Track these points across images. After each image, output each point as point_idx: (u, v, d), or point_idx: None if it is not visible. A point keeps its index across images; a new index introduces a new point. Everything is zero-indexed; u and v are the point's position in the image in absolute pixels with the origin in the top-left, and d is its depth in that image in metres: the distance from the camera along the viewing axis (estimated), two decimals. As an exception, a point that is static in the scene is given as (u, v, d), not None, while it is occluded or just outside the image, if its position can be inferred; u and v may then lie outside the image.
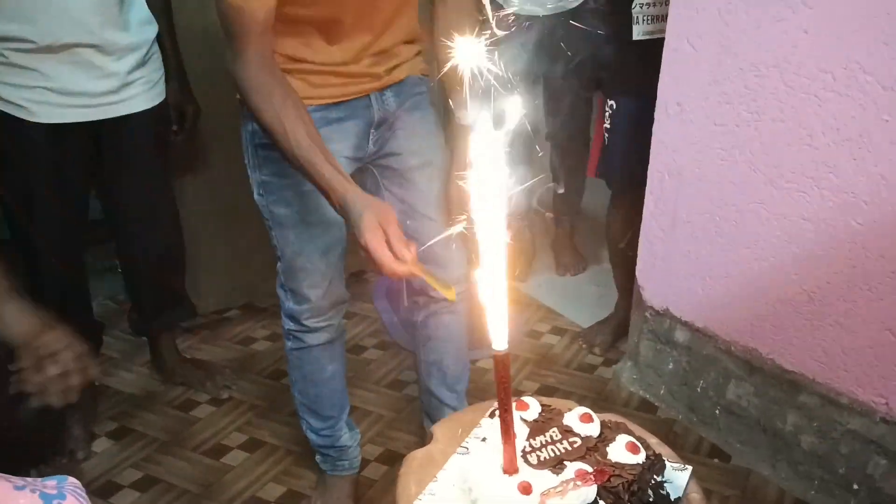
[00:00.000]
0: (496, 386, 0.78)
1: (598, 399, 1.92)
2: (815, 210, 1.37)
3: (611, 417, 0.92)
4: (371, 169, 1.39)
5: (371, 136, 1.33)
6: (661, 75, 1.58)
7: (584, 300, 2.40)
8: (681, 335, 1.75)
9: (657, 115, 1.61)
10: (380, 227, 1.07)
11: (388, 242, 1.07)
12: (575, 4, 2.10)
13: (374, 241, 1.07)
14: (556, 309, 2.38)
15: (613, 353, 2.10)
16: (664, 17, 1.59)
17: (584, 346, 2.15)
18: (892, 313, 1.32)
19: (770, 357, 1.54)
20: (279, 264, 1.42)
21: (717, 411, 1.71)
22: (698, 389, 1.74)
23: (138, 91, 1.66)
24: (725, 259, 1.58)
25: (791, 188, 1.40)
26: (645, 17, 1.67)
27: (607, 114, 1.81)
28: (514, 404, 0.85)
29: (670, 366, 1.80)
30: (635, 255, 1.81)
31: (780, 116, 1.39)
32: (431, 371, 1.55)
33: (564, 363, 2.10)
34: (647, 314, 1.82)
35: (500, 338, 0.75)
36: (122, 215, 1.83)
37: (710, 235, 1.60)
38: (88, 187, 1.80)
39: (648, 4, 1.66)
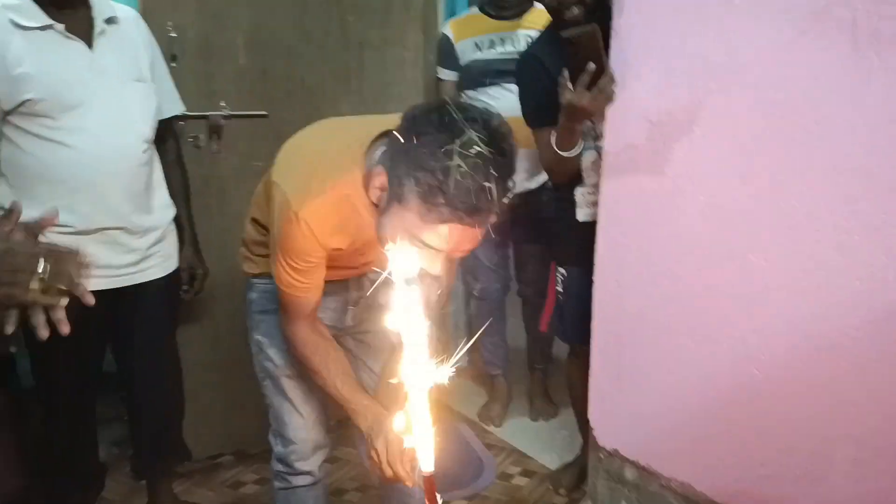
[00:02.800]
0: None
1: (561, 537, 2.08)
2: (725, 362, 1.62)
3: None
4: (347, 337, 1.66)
5: (349, 312, 1.60)
6: (596, 256, 1.87)
7: (553, 443, 2.59)
8: (629, 474, 1.93)
9: (595, 290, 1.88)
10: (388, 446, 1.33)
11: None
12: (535, 186, 2.46)
13: (383, 454, 1.34)
14: (528, 452, 2.56)
15: (579, 494, 2.27)
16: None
17: (551, 487, 2.32)
18: (776, 443, 1.53)
19: (702, 492, 1.73)
20: (270, 413, 1.66)
21: (665, 546, 1.87)
22: (648, 526, 1.91)
23: (156, 262, 1.95)
24: (661, 405, 1.80)
25: (707, 345, 1.65)
26: (587, 202, 1.98)
27: (559, 279, 2.09)
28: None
29: (623, 503, 1.97)
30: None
31: (692, 289, 1.67)
32: None
33: (532, 504, 2.27)
34: (600, 455, 2.02)
35: (427, 460, 0.96)
36: (132, 370, 2.07)
37: (649, 385, 1.83)
38: (104, 344, 2.05)
39: (589, 192, 1.98)
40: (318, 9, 2.37)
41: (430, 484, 0.98)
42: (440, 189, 1.09)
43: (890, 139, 1.29)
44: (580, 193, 1.99)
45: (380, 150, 1.25)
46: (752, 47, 1.47)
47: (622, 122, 1.77)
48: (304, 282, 1.35)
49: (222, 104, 2.27)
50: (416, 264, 1.20)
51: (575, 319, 2.09)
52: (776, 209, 1.49)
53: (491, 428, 2.77)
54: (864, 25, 1.28)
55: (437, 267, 1.19)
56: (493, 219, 1.16)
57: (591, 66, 1.67)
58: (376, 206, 1.24)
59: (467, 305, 3.03)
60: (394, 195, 1.17)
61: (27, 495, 1.88)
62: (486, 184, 1.10)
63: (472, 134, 1.10)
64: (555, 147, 1.92)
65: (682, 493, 1.79)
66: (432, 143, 1.10)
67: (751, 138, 1.51)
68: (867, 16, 1.27)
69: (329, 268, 1.40)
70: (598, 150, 1.95)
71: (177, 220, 2.03)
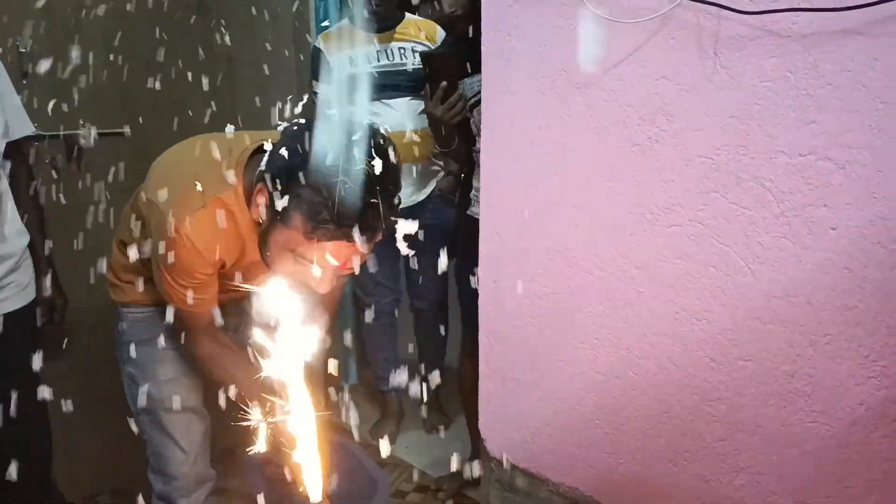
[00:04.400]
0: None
1: (458, 549, 2.07)
2: (603, 364, 1.67)
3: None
4: None
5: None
6: (480, 258, 1.89)
7: (447, 455, 2.58)
8: (520, 481, 1.95)
9: (480, 290, 1.91)
10: None
11: None
12: (423, 198, 2.48)
13: None
14: (422, 467, 2.55)
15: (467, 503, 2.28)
16: None
17: (434, 495, 2.35)
18: (664, 449, 1.59)
19: (589, 495, 1.77)
20: (147, 449, 1.56)
21: (559, 550, 1.90)
22: (542, 531, 1.93)
23: (9, 294, 1.81)
24: (545, 410, 1.83)
25: (584, 347, 1.70)
26: (476, 201, 2.03)
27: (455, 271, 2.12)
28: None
29: (516, 511, 1.99)
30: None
31: (567, 290, 1.71)
32: None
33: (426, 520, 2.25)
34: (492, 464, 2.03)
35: (314, 491, 0.94)
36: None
37: (532, 390, 1.86)
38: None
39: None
40: (181, 23, 2.28)
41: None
42: (325, 206, 1.07)
43: (731, 133, 1.37)
44: (472, 192, 2.07)
45: (259, 166, 1.20)
46: (608, 54, 1.53)
47: (497, 135, 1.80)
48: (196, 297, 1.29)
49: (81, 122, 2.14)
50: (301, 286, 1.18)
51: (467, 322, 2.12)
52: (639, 209, 1.55)
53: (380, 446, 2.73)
54: (706, 26, 1.36)
55: (325, 286, 1.17)
56: (380, 235, 1.15)
57: (444, 84, 2.00)
58: (258, 223, 1.20)
59: (357, 320, 2.98)
60: (276, 213, 1.13)
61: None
62: (373, 199, 1.08)
63: (355, 149, 1.08)
64: (436, 146, 2.19)
65: (571, 497, 1.82)
66: (314, 159, 1.08)
67: (614, 143, 1.57)
68: (708, 18, 1.35)
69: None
70: (478, 152, 2.01)
71: (32, 247, 1.90)
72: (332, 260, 1.14)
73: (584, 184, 1.64)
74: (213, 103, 2.38)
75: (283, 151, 1.12)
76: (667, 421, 1.61)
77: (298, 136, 1.12)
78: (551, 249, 1.73)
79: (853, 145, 1.24)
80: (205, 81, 2.34)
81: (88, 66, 2.14)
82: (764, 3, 1.27)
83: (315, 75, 2.64)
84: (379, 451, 2.65)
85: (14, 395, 1.88)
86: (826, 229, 1.30)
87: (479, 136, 1.99)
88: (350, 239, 1.11)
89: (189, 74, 2.30)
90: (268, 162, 1.17)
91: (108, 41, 2.16)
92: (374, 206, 1.09)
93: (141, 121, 2.24)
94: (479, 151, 2.00)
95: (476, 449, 2.16)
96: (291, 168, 1.10)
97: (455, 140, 2.13)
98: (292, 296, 1.14)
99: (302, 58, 2.68)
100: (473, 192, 2.13)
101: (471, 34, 1.87)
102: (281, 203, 1.12)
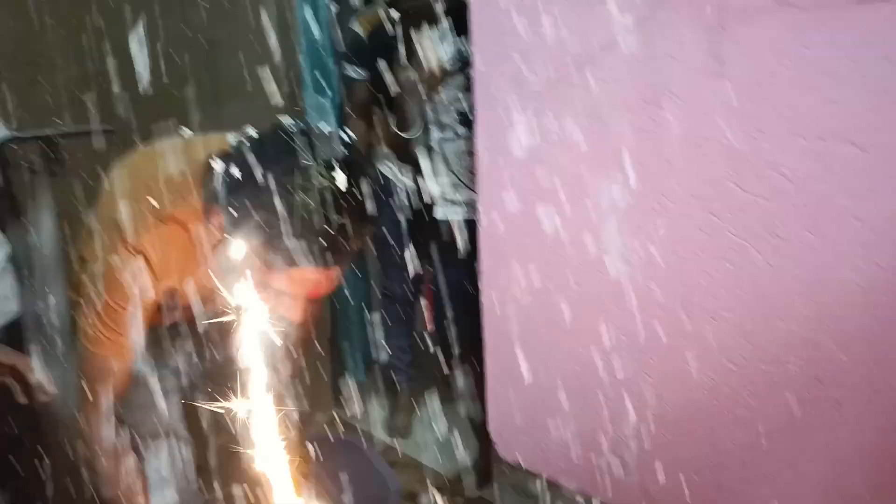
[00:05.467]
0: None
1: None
2: (616, 365, 1.56)
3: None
4: None
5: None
6: (479, 255, 1.78)
7: (458, 453, 2.49)
8: (534, 486, 1.86)
9: (482, 288, 1.80)
10: None
11: None
12: None
13: None
14: (434, 466, 2.46)
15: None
16: (461, 203, 1.83)
17: (448, 496, 2.26)
18: (680, 456, 1.48)
19: (605, 503, 1.66)
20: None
21: (573, 556, 1.80)
22: (556, 535, 1.84)
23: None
24: (555, 413, 1.73)
25: (595, 349, 1.59)
26: (445, 201, 1.91)
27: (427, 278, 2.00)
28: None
29: (529, 515, 1.90)
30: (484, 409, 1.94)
31: (573, 287, 1.59)
32: None
33: (438, 522, 2.17)
34: (503, 468, 1.94)
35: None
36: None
37: (541, 393, 1.75)
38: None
39: (447, 190, 1.90)
40: (155, 5, 2.16)
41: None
42: (284, 232, 0.95)
43: (744, 115, 1.23)
44: (436, 192, 1.93)
45: (216, 181, 1.09)
46: (606, 31, 1.39)
47: (490, 121, 1.68)
48: (115, 336, 1.18)
49: (57, 121, 2.04)
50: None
51: (447, 317, 2.00)
52: (646, 200, 1.42)
53: (396, 441, 2.66)
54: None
55: (296, 314, 1.06)
56: (351, 255, 1.04)
57: None
58: (216, 246, 1.09)
59: (369, 309, 2.88)
60: (235, 237, 1.02)
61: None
62: (337, 220, 0.96)
63: (314, 163, 0.96)
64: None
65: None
66: (272, 178, 0.96)
67: (616, 128, 1.44)
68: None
69: (170, 309, 1.24)
70: (439, 144, 1.87)
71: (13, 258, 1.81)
72: (298, 288, 1.03)
73: (584, 172, 1.51)
74: (195, 90, 2.27)
75: (236, 171, 1.00)
76: (687, 427, 1.49)
77: (250, 152, 1.01)
78: (556, 243, 1.61)
79: (878, 127, 1.09)
80: (184, 67, 2.23)
81: (60, 54, 2.04)
82: (776, -32, 1.13)
83: (351, 59, 2.49)
84: (390, 448, 2.60)
85: None
86: (850, 220, 1.16)
87: (438, 125, 1.86)
88: (315, 265, 1.00)
89: (166, 60, 2.18)
90: (220, 181, 1.05)
91: (76, 27, 2.05)
92: (338, 228, 0.97)
93: (119, 114, 2.13)
94: (438, 142, 1.87)
95: (485, 448, 2.07)
96: (244, 188, 0.99)
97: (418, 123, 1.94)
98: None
99: (285, 38, 2.54)
100: (438, 193, 1.95)
101: None
102: (237, 227, 1.01)
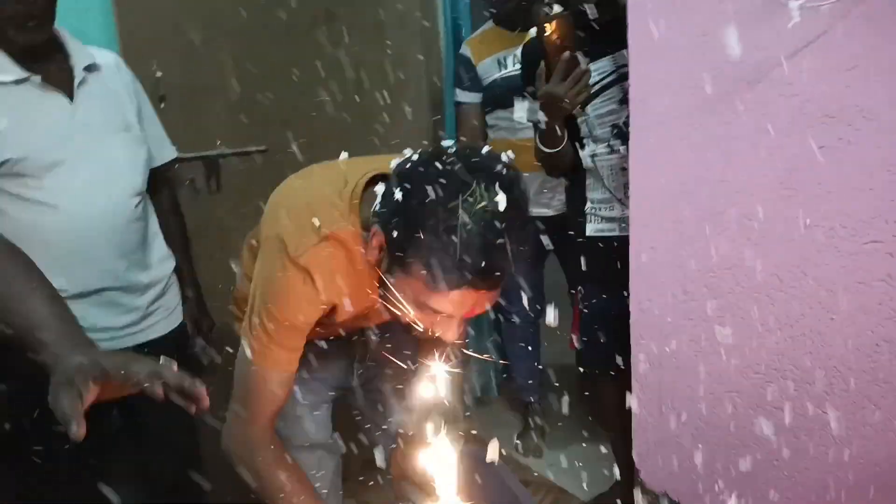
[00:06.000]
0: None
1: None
2: (780, 400, 1.46)
3: None
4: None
5: (356, 370, 1.47)
6: (630, 276, 1.72)
7: (593, 475, 2.43)
8: (678, 518, 1.77)
9: (632, 311, 1.74)
10: None
11: None
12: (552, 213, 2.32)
13: None
14: (566, 487, 2.41)
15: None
16: (614, 220, 1.77)
17: None
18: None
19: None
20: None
21: None
22: (706, 574, 1.75)
23: (158, 319, 1.83)
24: (710, 445, 1.64)
25: (758, 378, 1.49)
26: (595, 217, 1.84)
27: (579, 298, 1.94)
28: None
29: (678, 550, 1.81)
30: (626, 435, 1.87)
31: (738, 313, 1.51)
32: None
33: (574, 548, 2.11)
34: (647, 497, 1.86)
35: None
36: (143, 432, 1.95)
37: (695, 421, 1.67)
38: (111, 407, 1.94)
39: (597, 207, 1.84)
40: (303, 31, 2.24)
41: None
42: (446, 253, 0.95)
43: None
44: (588, 208, 1.85)
45: (375, 202, 1.10)
46: (785, 42, 1.31)
47: (648, 137, 1.62)
48: (281, 351, 1.21)
49: (218, 143, 2.15)
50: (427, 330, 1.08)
51: (595, 337, 1.93)
52: (828, 223, 1.33)
53: (528, 461, 2.62)
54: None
55: (452, 334, 1.06)
56: (506, 277, 1.03)
57: (566, 54, 1.63)
58: (376, 267, 1.10)
59: (498, 329, 2.88)
60: (394, 259, 1.03)
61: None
62: (499, 241, 0.96)
63: (477, 185, 0.96)
64: (538, 143, 1.83)
65: (742, 542, 1.63)
66: (432, 200, 0.96)
67: (793, 146, 1.35)
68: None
69: (326, 325, 1.27)
70: (592, 159, 1.81)
71: (178, 271, 1.91)
72: (457, 309, 1.03)
73: (755, 193, 1.43)
74: (345, 110, 2.34)
75: (398, 193, 1.01)
76: (854, 472, 1.38)
77: (415, 173, 1.01)
78: (717, 267, 1.53)
79: None
80: (334, 90, 2.30)
81: (221, 84, 2.14)
82: None
83: (459, 83, 2.54)
84: (523, 467, 2.57)
85: (164, 420, 1.93)
86: None
87: (591, 138, 1.80)
88: (477, 287, 0.99)
89: (316, 83, 2.26)
90: (382, 203, 1.06)
91: (239, 58, 2.15)
92: (500, 249, 0.97)
93: (273, 135, 2.22)
94: (596, 156, 1.80)
95: (627, 476, 1.99)
96: (406, 211, 1.00)
97: (565, 138, 1.81)
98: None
99: (431, 60, 2.58)
100: (589, 206, 1.87)
101: (596, 14, 1.65)
102: (398, 249, 1.01)
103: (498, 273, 0.99)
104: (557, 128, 1.76)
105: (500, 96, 2.47)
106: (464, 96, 2.53)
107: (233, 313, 1.50)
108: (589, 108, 1.79)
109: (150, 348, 1.82)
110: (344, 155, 1.33)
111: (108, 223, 1.67)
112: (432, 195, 0.97)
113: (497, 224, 0.96)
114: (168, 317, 1.87)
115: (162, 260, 1.85)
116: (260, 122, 2.22)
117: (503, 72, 2.47)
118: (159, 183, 1.88)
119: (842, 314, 1.34)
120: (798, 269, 1.39)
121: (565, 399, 2.73)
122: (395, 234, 1.01)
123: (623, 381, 1.84)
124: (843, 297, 1.33)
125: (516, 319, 2.66)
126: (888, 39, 1.17)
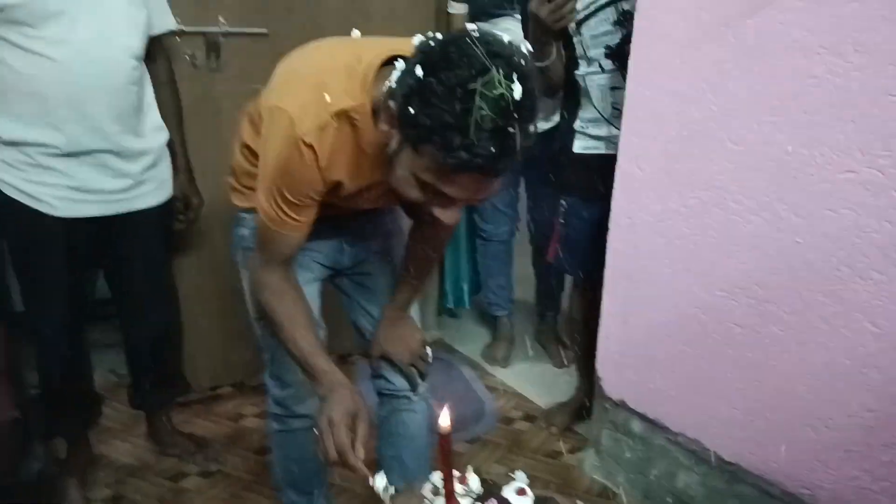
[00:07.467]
0: (439, 460, 0.93)
1: (563, 485, 2.03)
2: (742, 316, 1.53)
3: (547, 494, 1.07)
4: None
5: (346, 252, 1.51)
6: (613, 192, 1.77)
7: (556, 386, 2.53)
8: (636, 426, 1.88)
9: (611, 225, 1.80)
10: (348, 418, 1.18)
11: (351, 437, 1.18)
12: (550, 125, 2.33)
13: (337, 428, 1.17)
14: (530, 396, 2.51)
15: (574, 438, 2.23)
16: (601, 138, 1.80)
17: (543, 425, 2.30)
18: (811, 411, 1.46)
19: (712, 449, 1.67)
20: (264, 353, 1.58)
21: (669, 499, 1.82)
22: (652, 478, 1.86)
23: (149, 189, 1.85)
24: (672, 356, 1.73)
25: (723, 296, 1.57)
26: (583, 136, 1.87)
27: (561, 211, 1.98)
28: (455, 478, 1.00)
29: (627, 455, 1.93)
30: (592, 346, 1.96)
31: (710, 234, 1.57)
32: (392, 465, 1.63)
33: (533, 449, 2.22)
34: (606, 405, 1.96)
35: (444, 417, 0.91)
36: (126, 298, 2.01)
37: (659, 335, 1.75)
38: (97, 271, 1.99)
39: (585, 125, 1.86)
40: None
41: (446, 442, 0.92)
42: (459, 134, 0.97)
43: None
44: (577, 125, 1.88)
45: (389, 81, 1.11)
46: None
47: (645, 55, 1.64)
48: (295, 218, 1.25)
49: (221, 20, 2.13)
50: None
51: (573, 250, 1.99)
52: (808, 151, 1.38)
53: (494, 370, 2.72)
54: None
55: (451, 216, 1.10)
56: (513, 166, 1.05)
57: None
58: (385, 144, 1.12)
59: (471, 245, 2.93)
60: (405, 136, 1.05)
61: (22, 423, 1.85)
62: (510, 129, 0.98)
63: (496, 71, 0.97)
64: None
65: (690, 450, 1.73)
66: (451, 80, 0.98)
67: (785, 74, 1.38)
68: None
69: (325, 205, 1.30)
70: (584, 78, 1.83)
71: (170, 145, 1.93)
72: (462, 192, 1.06)
73: (743, 116, 1.47)
74: (349, 5, 2.32)
75: (418, 69, 1.02)
76: (809, 384, 1.47)
77: (435, 53, 1.02)
78: (698, 187, 1.58)
79: None
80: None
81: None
82: None
83: None
84: (488, 374, 2.66)
85: (149, 287, 1.98)
86: None
87: (586, 59, 1.81)
88: (483, 171, 1.01)
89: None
90: (399, 79, 1.07)
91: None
92: (511, 136, 0.98)
93: (277, 20, 2.20)
94: (587, 75, 1.82)
95: (588, 384, 2.09)
96: (423, 88, 1.01)
97: (552, 54, 1.80)
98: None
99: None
100: (579, 123, 1.89)
101: None
102: (409, 126, 1.03)
103: (506, 160, 1.01)
104: (543, 42, 1.76)
105: (483, 8, 2.46)
106: (452, 7, 2.53)
107: (230, 185, 1.52)
108: (584, 29, 1.80)
109: (140, 218, 1.85)
110: (356, 33, 1.32)
111: (104, 81, 1.67)
112: (450, 75, 0.98)
113: (512, 112, 0.97)
114: (158, 189, 1.88)
115: (155, 130, 1.85)
116: (263, 6, 2.19)
117: None
118: (157, 53, 1.87)
119: (808, 238, 1.40)
120: (774, 195, 1.45)
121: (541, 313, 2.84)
122: (410, 109, 1.03)
123: (595, 294, 1.92)
124: (812, 222, 1.39)
125: (490, 237, 2.72)
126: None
